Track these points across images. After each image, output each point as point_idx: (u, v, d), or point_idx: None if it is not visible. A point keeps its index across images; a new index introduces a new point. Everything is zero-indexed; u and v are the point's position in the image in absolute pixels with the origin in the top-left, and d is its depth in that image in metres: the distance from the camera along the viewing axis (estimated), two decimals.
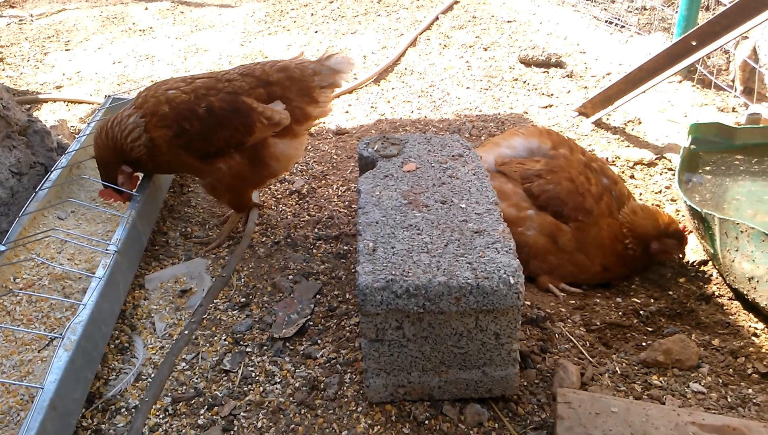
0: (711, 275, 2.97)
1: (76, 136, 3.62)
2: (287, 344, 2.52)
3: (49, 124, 3.92)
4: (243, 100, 2.83)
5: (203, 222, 3.35)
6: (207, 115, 2.79)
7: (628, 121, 4.33)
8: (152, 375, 2.41)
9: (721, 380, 2.33)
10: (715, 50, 3.70)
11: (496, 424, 2.14)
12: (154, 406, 2.28)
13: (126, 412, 2.27)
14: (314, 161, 3.92)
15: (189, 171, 3.29)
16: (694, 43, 3.67)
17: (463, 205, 2.29)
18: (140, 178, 3.09)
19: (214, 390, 2.34)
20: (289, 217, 3.37)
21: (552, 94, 4.79)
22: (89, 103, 4.87)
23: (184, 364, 2.46)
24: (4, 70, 5.63)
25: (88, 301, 2.35)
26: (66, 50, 6.12)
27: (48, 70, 5.67)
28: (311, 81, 2.94)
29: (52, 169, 3.19)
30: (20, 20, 7.01)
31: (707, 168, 3.31)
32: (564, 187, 2.88)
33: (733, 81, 4.43)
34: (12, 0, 7.74)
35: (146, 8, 7.18)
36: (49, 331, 2.51)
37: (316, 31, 6.17)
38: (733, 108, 4.20)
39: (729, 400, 2.23)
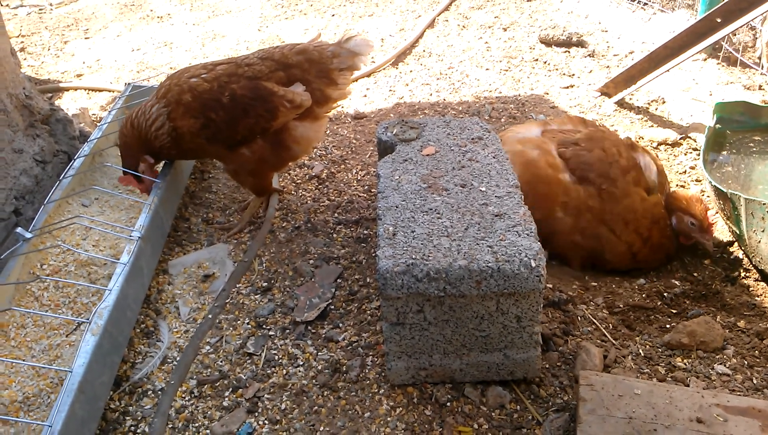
0: (736, 256, 2.92)
1: (98, 124, 3.66)
2: (309, 328, 2.54)
3: (71, 113, 3.96)
4: (264, 85, 2.84)
5: (224, 207, 3.37)
6: (231, 103, 2.80)
7: (652, 101, 4.26)
8: (177, 358, 2.45)
9: (746, 362, 2.30)
10: (740, 27, 3.61)
11: (518, 406, 2.14)
12: (180, 389, 2.32)
13: (153, 395, 2.31)
14: (333, 146, 3.92)
15: (212, 157, 3.33)
16: (719, 20, 3.58)
17: (483, 189, 2.28)
18: (160, 168, 3.12)
19: (238, 372, 2.37)
20: (309, 202, 3.38)
21: (573, 75, 4.72)
22: (110, 91, 4.91)
23: (208, 347, 2.50)
24: (25, 59, 5.69)
25: (113, 287, 2.38)
26: (85, 38, 6.16)
27: (68, 58, 5.72)
28: (330, 63, 2.94)
29: (75, 157, 3.23)
30: (40, 9, 7.06)
31: (733, 147, 3.25)
32: (595, 154, 2.89)
33: (759, 58, 4.32)
34: None
35: None
36: (76, 316, 2.55)
37: (333, 15, 6.13)
38: (760, 86, 4.10)
39: (754, 381, 2.20)
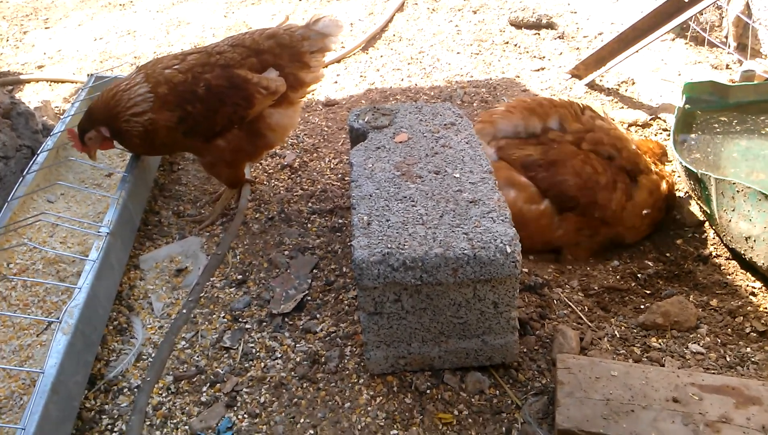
0: (708, 236, 2.97)
1: (61, 117, 3.55)
2: (286, 320, 2.52)
3: (33, 106, 3.85)
4: (237, 73, 2.79)
5: (195, 200, 3.31)
6: (207, 94, 2.73)
7: (622, 82, 4.29)
8: (153, 355, 2.41)
9: (719, 340, 2.35)
10: (707, 6, 3.64)
11: (497, 391, 2.15)
12: (156, 385, 2.28)
13: (129, 392, 2.27)
14: (305, 134, 3.87)
15: (186, 151, 3.25)
16: (686, 0, 3.61)
17: (457, 175, 2.27)
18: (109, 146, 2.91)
19: (216, 367, 2.34)
20: (282, 192, 3.33)
21: (544, 57, 4.72)
22: (72, 82, 4.77)
23: (184, 342, 2.46)
24: None
25: (83, 284, 2.33)
26: (45, 28, 5.97)
27: (28, 49, 5.54)
28: (301, 46, 2.89)
29: (38, 152, 3.14)
30: None
31: (702, 127, 3.28)
32: (573, 184, 2.76)
33: (726, 37, 4.38)
34: None
35: None
36: (46, 315, 2.49)
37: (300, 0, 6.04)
38: (727, 65, 4.15)
39: (728, 359, 2.25)
